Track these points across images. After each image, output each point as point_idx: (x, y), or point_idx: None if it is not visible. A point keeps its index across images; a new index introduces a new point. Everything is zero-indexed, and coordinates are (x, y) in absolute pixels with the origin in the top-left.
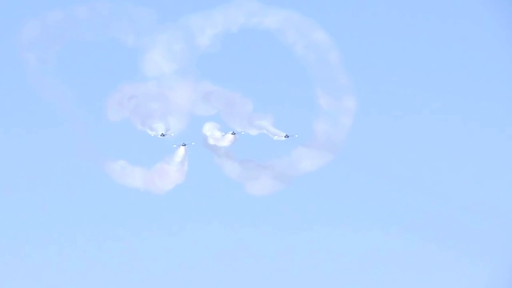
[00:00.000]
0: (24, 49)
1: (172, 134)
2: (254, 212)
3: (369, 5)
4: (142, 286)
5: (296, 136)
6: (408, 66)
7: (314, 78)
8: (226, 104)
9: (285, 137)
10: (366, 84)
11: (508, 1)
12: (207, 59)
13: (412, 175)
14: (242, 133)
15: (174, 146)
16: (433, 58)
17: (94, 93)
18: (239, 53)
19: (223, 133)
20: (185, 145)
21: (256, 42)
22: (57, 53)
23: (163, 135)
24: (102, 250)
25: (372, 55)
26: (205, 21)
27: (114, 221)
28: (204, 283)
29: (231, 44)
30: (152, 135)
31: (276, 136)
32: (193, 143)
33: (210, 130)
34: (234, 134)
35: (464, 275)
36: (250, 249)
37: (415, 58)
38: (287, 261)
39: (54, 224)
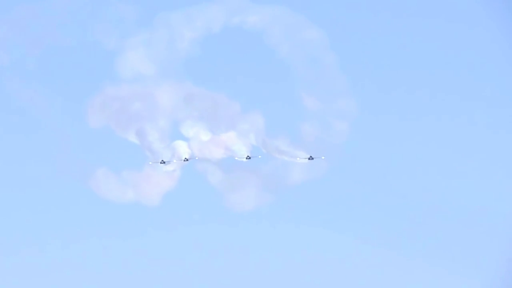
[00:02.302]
0: None
1: (175, 161)
2: (240, 223)
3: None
4: None
5: (323, 158)
6: (405, 66)
7: (302, 79)
8: (210, 106)
9: (308, 159)
10: (359, 86)
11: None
12: (189, 60)
13: (405, 179)
14: (259, 156)
15: (175, 161)
16: (433, 58)
17: (73, 98)
18: (222, 53)
19: (212, 134)
20: (187, 160)
21: (241, 41)
22: (32, 53)
23: (163, 162)
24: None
25: (366, 55)
26: (186, 20)
27: (95, 232)
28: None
29: (214, 44)
30: (151, 164)
31: (298, 158)
32: (196, 158)
33: (193, 131)
34: (249, 158)
35: (459, 284)
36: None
37: (411, 58)
38: (275, 270)
39: (30, 231)
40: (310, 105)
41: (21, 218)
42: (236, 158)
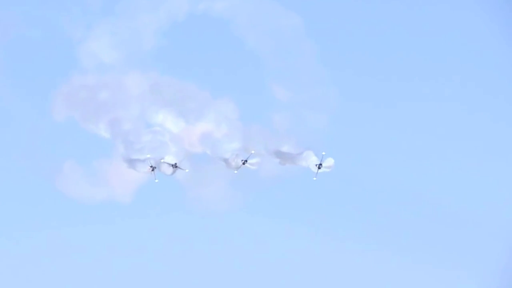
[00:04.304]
0: None
1: (163, 162)
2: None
3: None
4: None
5: (323, 153)
6: (388, 55)
7: (276, 68)
8: (179, 96)
9: (318, 167)
10: (338, 76)
11: None
12: (154, 49)
13: (389, 174)
14: (252, 151)
15: (163, 161)
16: (419, 45)
17: (37, 90)
18: (188, 42)
19: (186, 124)
20: (176, 166)
21: (208, 29)
22: None
23: (153, 169)
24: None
25: (346, 43)
26: (151, 8)
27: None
28: None
29: (180, 32)
30: (132, 162)
31: (315, 178)
32: (186, 170)
33: (163, 121)
34: (246, 161)
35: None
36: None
37: (395, 45)
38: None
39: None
40: (285, 96)
41: None
42: (235, 172)
